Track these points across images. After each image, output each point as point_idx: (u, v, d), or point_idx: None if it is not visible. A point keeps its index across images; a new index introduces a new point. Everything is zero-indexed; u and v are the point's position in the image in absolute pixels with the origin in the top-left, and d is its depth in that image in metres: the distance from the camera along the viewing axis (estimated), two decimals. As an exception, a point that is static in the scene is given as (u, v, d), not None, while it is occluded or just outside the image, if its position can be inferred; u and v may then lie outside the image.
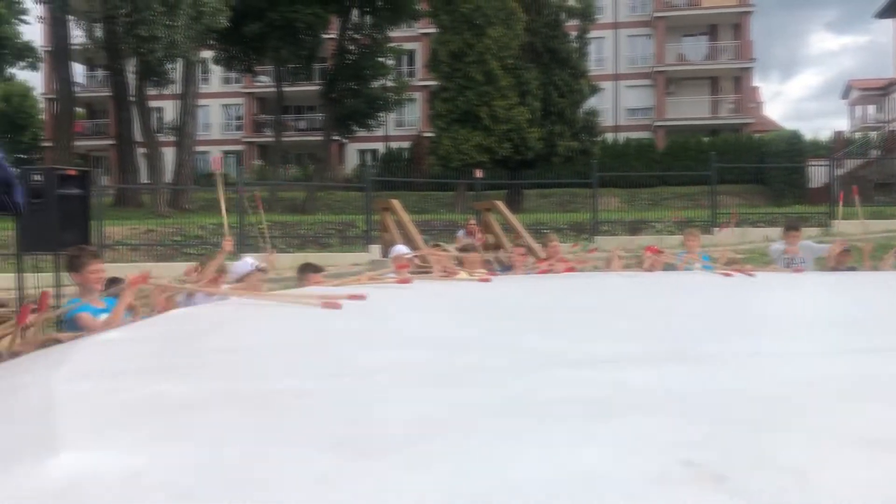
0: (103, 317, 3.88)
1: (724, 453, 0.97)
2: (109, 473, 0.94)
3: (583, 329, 2.39)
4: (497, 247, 10.96)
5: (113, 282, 4.33)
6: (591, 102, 28.56)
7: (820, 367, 1.69)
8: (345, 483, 0.89)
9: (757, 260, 10.26)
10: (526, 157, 24.79)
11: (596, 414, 1.21)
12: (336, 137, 34.38)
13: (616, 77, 37.79)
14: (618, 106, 37.79)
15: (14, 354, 3.04)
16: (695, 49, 37.94)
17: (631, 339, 2.09)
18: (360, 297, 2.71)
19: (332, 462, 0.97)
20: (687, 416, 1.18)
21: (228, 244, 5.27)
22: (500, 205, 11.59)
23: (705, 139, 33.08)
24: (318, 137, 34.02)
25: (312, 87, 34.28)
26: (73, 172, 6.18)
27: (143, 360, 1.83)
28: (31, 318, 3.25)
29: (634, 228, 17.40)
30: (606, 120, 34.27)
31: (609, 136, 33.18)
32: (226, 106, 42.97)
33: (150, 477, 0.93)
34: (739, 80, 36.95)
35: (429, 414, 1.22)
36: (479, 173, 18.00)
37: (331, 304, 2.40)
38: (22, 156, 56.76)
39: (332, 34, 31.56)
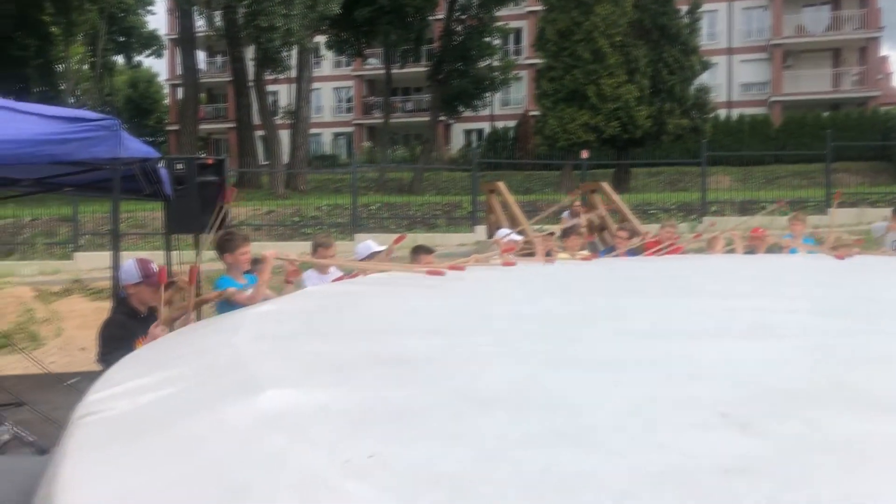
0: (248, 291, 4.40)
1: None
2: (303, 406, 1.34)
3: (674, 309, 2.62)
4: (602, 228, 11.10)
5: (255, 262, 4.86)
6: (703, 78, 27.80)
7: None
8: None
9: (873, 242, 9.99)
10: (634, 136, 24.50)
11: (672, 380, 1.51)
12: (442, 118, 34.90)
13: (730, 51, 36.51)
14: (731, 81, 36.54)
15: (176, 318, 3.60)
16: (815, 20, 36.09)
17: (716, 316, 2.33)
18: (460, 269, 3.09)
19: (460, 410, 1.33)
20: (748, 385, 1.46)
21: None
22: (606, 186, 11.70)
23: (825, 115, 31.57)
24: (424, 118, 34.65)
25: (420, 69, 34.89)
26: (210, 161, 6.82)
27: (298, 326, 2.26)
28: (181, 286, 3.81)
29: (745, 209, 17.02)
30: (719, 96, 33.22)
31: (721, 113, 32.19)
32: (337, 89, 44.26)
33: (332, 409, 1.31)
34: (865, 50, 34.95)
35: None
36: (585, 154, 18.05)
37: (434, 271, 2.77)
38: (148, 139, 60.51)
39: (439, 16, 31.99)
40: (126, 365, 2.03)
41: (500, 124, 38.70)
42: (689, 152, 22.26)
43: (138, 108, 54.22)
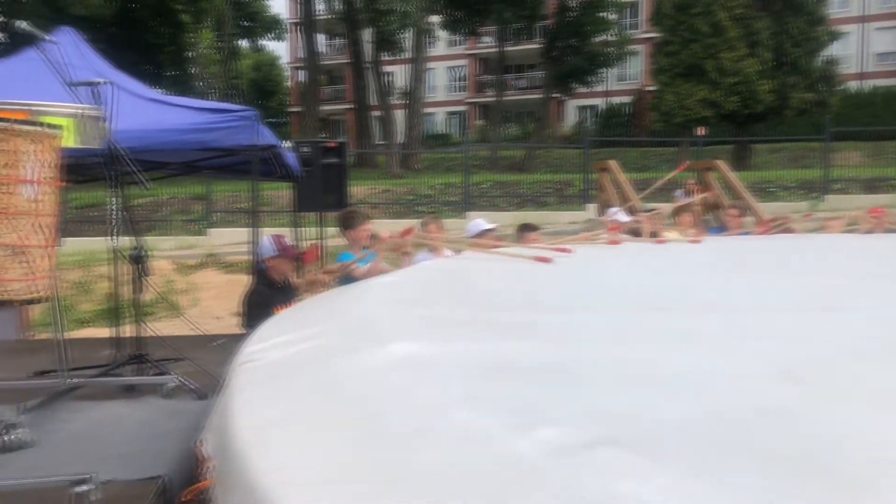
0: (368, 265, 4.79)
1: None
2: (421, 354, 1.63)
3: (779, 289, 2.74)
4: (717, 207, 10.94)
5: (374, 237, 5.25)
6: (833, 49, 26.36)
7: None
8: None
9: None
10: (755, 111, 23.61)
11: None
12: (556, 95, 34.67)
13: (863, 19, 34.32)
14: (864, 51, 34.37)
15: (305, 289, 4.02)
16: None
17: (815, 294, 2.46)
18: (566, 251, 3.29)
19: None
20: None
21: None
22: (721, 164, 11.49)
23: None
24: (537, 96, 34.53)
25: (533, 46, 34.74)
26: (332, 145, 7.28)
27: (414, 294, 2.57)
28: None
29: (871, 186, 16.20)
30: (850, 67, 31.39)
31: (853, 85, 30.41)
32: (450, 68, 44.68)
33: (448, 358, 1.61)
34: None
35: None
36: (701, 131, 17.63)
37: (542, 258, 3.00)
38: (271, 120, 63.14)
39: (554, -8, 31.74)
40: (272, 324, 2.41)
41: (615, 100, 38.05)
42: (814, 127, 21.27)
43: (261, 91, 56.57)
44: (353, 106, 31.23)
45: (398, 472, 1.02)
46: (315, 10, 29.67)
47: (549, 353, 1.62)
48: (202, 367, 3.14)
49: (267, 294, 4.15)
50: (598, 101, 39.30)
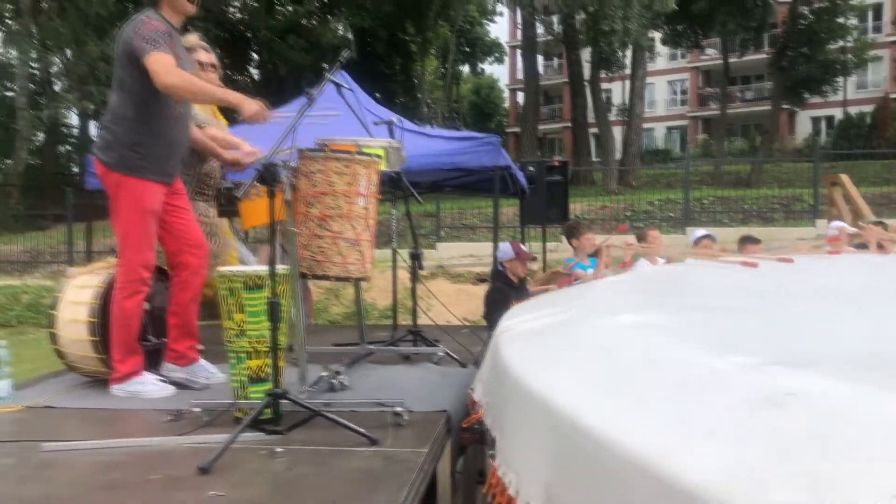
0: (590, 271, 5.37)
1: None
2: (646, 321, 2.18)
3: None
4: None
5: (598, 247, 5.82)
6: None
7: None
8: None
9: None
10: None
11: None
12: (786, 106, 32.91)
13: None
14: None
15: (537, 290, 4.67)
16: None
17: None
18: (788, 261, 3.61)
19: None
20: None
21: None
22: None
23: None
24: (765, 107, 32.98)
25: (761, 56, 33.27)
26: (556, 163, 7.94)
27: (634, 287, 3.11)
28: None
29: None
30: None
31: None
32: (671, 82, 43.83)
33: (662, 322, 2.14)
34: None
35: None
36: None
37: (749, 263, 3.37)
38: (491, 138, 65.38)
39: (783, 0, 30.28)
40: (519, 309, 3.08)
41: (853, 110, 35.30)
42: None
43: (481, 113, 58.91)
44: (570, 124, 31.80)
45: (636, 388, 1.59)
46: (535, 33, 30.68)
47: (736, 316, 2.11)
48: (460, 344, 3.90)
49: (505, 291, 4.88)
50: (835, 112, 36.65)
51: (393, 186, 3.71)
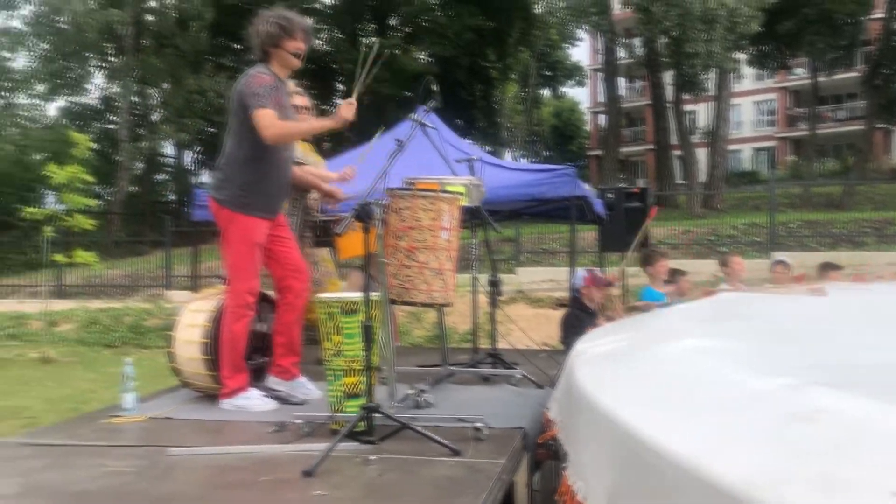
0: (665, 298, 5.50)
1: None
2: (709, 347, 2.37)
3: None
4: None
5: (673, 272, 5.95)
6: None
7: None
8: None
9: None
10: None
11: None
12: (881, 125, 31.74)
13: None
14: None
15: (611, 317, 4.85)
16: None
17: None
18: (862, 280, 3.69)
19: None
20: None
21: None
22: None
23: None
24: (858, 127, 31.89)
25: (852, 75, 32.26)
26: (636, 190, 8.06)
27: (704, 312, 3.27)
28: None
29: None
30: None
31: None
32: (758, 102, 42.88)
33: (720, 346, 2.32)
34: None
35: None
36: None
37: (816, 290, 3.48)
38: (570, 164, 65.32)
39: (877, 15, 29.34)
40: (594, 333, 3.29)
41: (957, 127, 33.69)
42: None
43: (561, 136, 58.87)
44: (653, 147, 31.54)
45: (688, 404, 1.79)
46: (616, 57, 30.68)
47: (788, 341, 2.28)
48: (538, 367, 4.11)
49: (581, 316, 5.08)
50: (937, 129, 35.07)
51: (473, 216, 3.98)
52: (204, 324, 3.56)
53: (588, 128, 53.56)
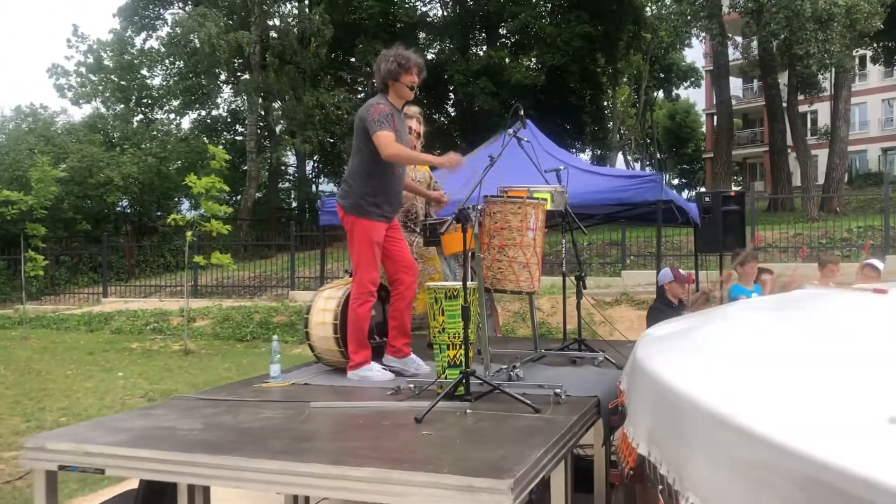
0: (754, 296, 5.86)
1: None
2: (758, 328, 2.85)
3: None
4: None
5: (761, 271, 6.31)
6: None
7: None
8: None
9: None
10: None
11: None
12: None
13: None
14: None
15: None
16: None
17: None
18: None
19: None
20: None
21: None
22: None
23: None
24: None
25: None
26: (733, 194, 8.35)
27: (771, 304, 3.72)
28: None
29: None
30: None
31: None
32: (886, 100, 40.90)
33: (774, 328, 2.80)
34: None
35: None
36: None
37: (879, 290, 3.81)
38: (685, 166, 63.96)
39: None
40: (664, 322, 3.79)
41: None
42: None
43: (676, 138, 57.78)
44: (768, 149, 30.79)
45: (716, 365, 2.31)
46: (727, 60, 30.18)
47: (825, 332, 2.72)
48: (620, 353, 4.64)
49: (664, 310, 5.56)
50: None
51: (563, 219, 4.56)
52: (334, 308, 4.31)
53: (704, 129, 52.42)
